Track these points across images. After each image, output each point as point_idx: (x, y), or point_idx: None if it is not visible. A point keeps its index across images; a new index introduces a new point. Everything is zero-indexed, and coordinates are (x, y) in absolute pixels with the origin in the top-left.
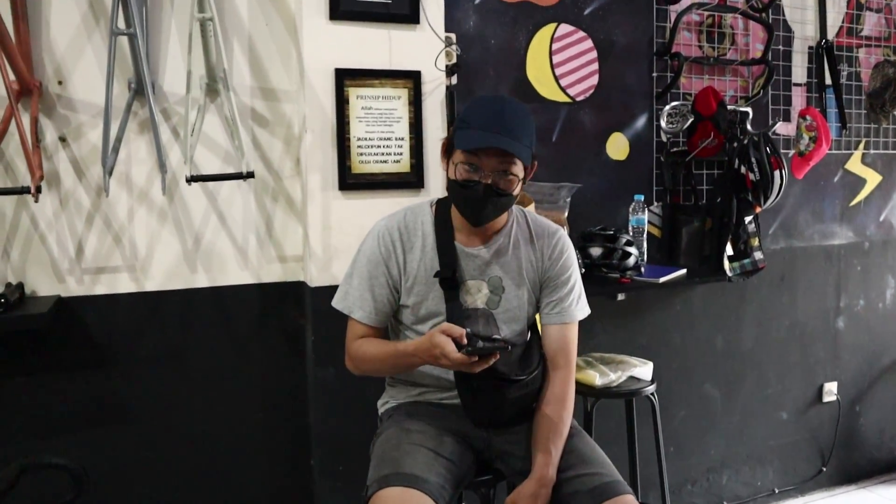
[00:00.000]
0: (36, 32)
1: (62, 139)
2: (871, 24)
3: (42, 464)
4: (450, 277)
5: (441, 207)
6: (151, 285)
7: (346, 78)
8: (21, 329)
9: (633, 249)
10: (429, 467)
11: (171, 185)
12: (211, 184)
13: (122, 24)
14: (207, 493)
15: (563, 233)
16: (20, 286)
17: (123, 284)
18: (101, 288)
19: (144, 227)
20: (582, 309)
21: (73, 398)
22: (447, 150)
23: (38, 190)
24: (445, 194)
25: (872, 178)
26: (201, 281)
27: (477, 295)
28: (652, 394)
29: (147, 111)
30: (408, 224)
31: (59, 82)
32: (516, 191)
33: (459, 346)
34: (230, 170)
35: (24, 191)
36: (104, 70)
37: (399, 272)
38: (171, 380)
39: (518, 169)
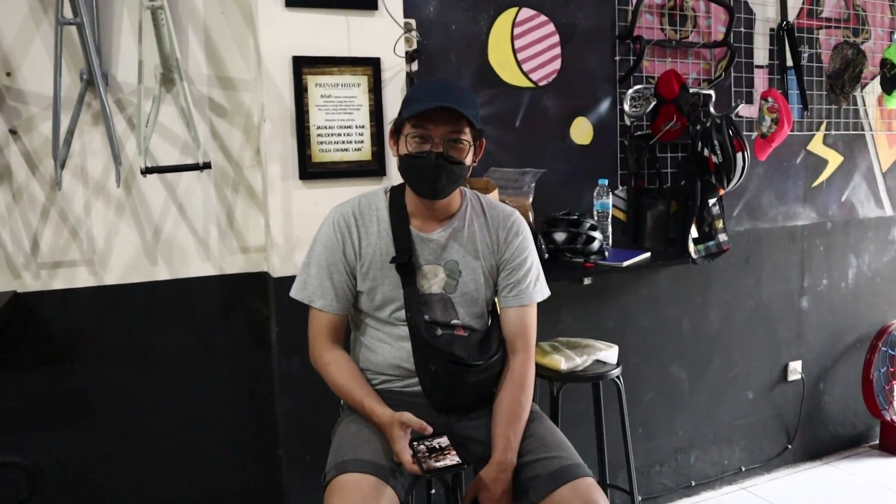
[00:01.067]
0: None
1: (13, 132)
2: (830, 5)
3: None
4: (405, 263)
5: (395, 193)
6: (111, 279)
7: (304, 66)
8: None
9: (597, 234)
10: (387, 454)
11: (129, 177)
12: (170, 175)
13: (69, 13)
14: (174, 487)
15: (518, 215)
16: None
17: (82, 279)
18: (58, 283)
19: (102, 220)
20: (540, 291)
21: (33, 395)
22: (395, 131)
23: None
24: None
25: (834, 159)
26: (162, 273)
27: (433, 280)
28: (617, 377)
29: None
30: (362, 210)
31: (8, 74)
32: (468, 160)
33: (420, 436)
34: (189, 161)
35: None
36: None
37: (355, 257)
38: (134, 374)
39: (467, 136)
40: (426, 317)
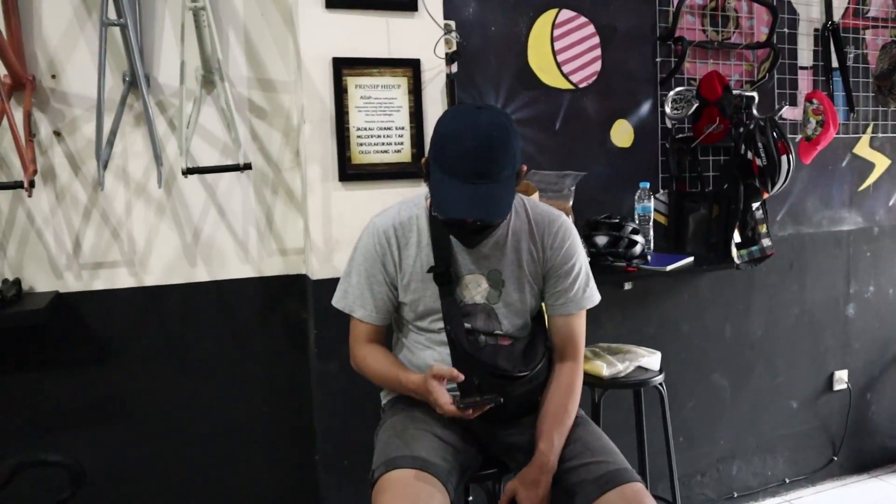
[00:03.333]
0: (28, 26)
1: (57, 133)
2: (877, 4)
3: (38, 461)
4: (444, 273)
5: None
6: (151, 280)
7: (344, 67)
8: (19, 325)
9: (639, 238)
10: (436, 451)
11: (169, 179)
12: (209, 176)
13: (113, 14)
14: (210, 490)
15: (565, 219)
16: (17, 282)
17: (122, 279)
18: (99, 283)
19: (142, 221)
20: (590, 297)
21: (73, 394)
22: (427, 172)
23: (32, 185)
24: None
25: (881, 163)
26: (201, 275)
27: (476, 290)
28: (660, 384)
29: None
30: (402, 220)
31: (53, 76)
32: (508, 214)
33: (460, 386)
34: (229, 162)
35: (16, 185)
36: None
37: (395, 270)
38: (172, 375)
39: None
40: (468, 325)
